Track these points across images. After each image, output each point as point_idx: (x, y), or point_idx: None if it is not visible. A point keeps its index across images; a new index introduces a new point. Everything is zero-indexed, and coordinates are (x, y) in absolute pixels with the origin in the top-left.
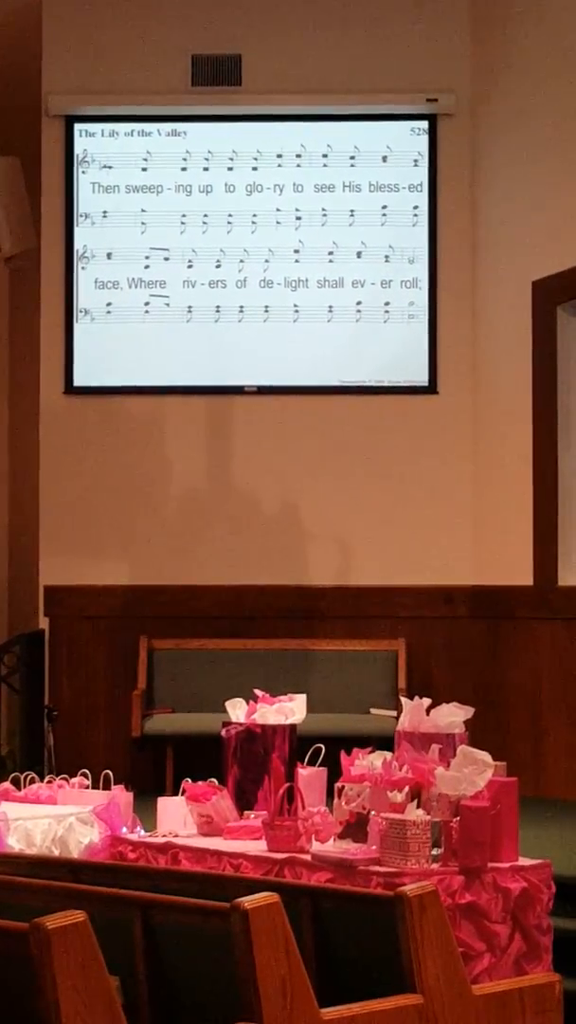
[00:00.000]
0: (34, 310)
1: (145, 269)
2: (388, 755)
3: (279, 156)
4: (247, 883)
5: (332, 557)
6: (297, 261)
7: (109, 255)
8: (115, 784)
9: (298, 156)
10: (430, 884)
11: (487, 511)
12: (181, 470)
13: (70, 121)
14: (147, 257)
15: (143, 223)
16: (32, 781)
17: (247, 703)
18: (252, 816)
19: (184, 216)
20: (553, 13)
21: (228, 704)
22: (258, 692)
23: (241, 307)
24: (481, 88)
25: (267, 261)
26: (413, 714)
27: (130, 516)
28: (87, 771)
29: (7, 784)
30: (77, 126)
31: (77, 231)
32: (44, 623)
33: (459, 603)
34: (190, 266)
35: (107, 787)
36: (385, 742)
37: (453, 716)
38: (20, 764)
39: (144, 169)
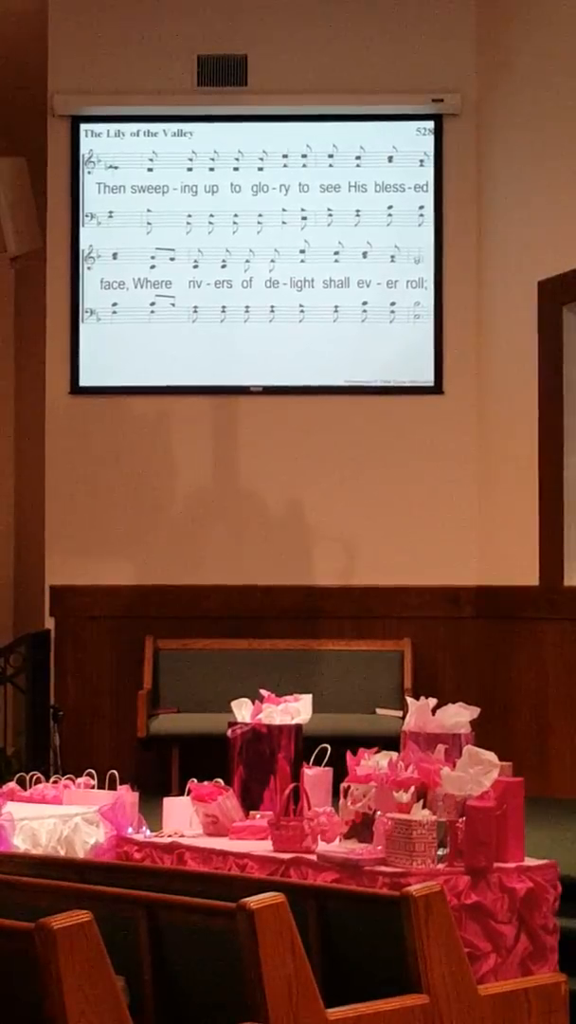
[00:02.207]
0: (40, 310)
1: (151, 269)
2: (394, 755)
3: (285, 156)
4: (253, 883)
5: (337, 557)
6: (303, 261)
7: (115, 255)
8: (121, 784)
9: (304, 156)
10: (436, 884)
11: (493, 511)
12: (187, 470)
13: (76, 121)
14: (153, 257)
15: (149, 223)
16: (38, 781)
17: (253, 703)
18: (258, 816)
19: (190, 216)
20: (558, 13)
21: (234, 704)
22: (264, 692)
23: (247, 307)
24: (487, 88)
25: (273, 261)
26: (419, 714)
27: (136, 516)
28: (93, 771)
29: (13, 784)
30: (83, 126)
31: (83, 231)
32: (50, 623)
33: (464, 603)
34: (196, 266)
35: (113, 787)
36: (391, 742)
37: (459, 716)
38: (26, 764)
39: (150, 169)
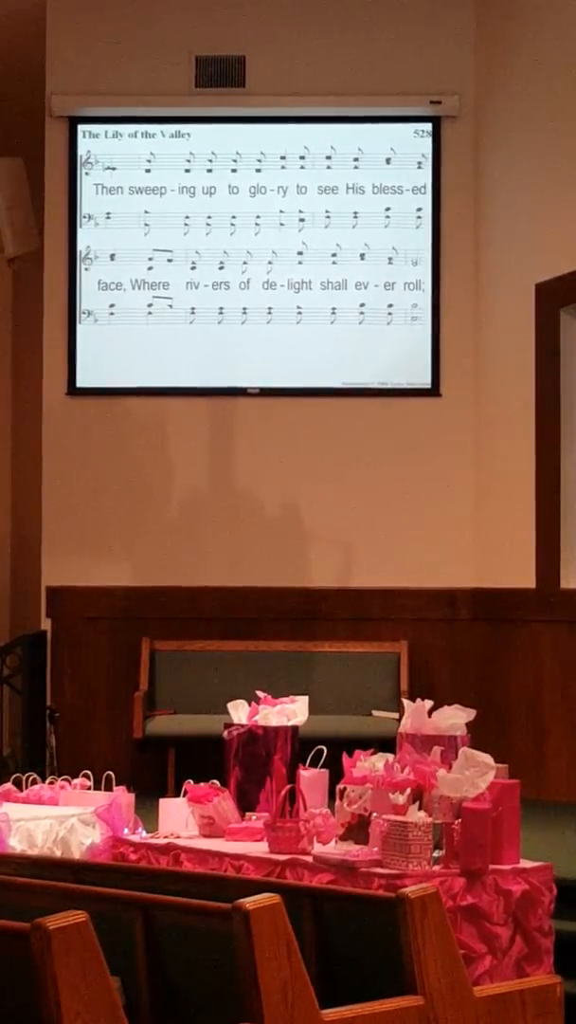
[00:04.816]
0: (37, 311)
1: (148, 271)
2: (390, 757)
3: (283, 158)
4: (249, 884)
5: (334, 559)
6: (300, 263)
7: (112, 256)
8: (117, 785)
9: (302, 158)
10: (431, 886)
11: (490, 513)
12: (183, 472)
13: (74, 122)
14: (150, 259)
15: (146, 224)
16: (34, 782)
17: (249, 705)
18: (254, 818)
19: (187, 218)
20: (557, 15)
21: (230, 706)
22: (260, 694)
23: (244, 309)
24: (485, 90)
25: (270, 263)
26: (415, 716)
27: (132, 517)
28: (89, 772)
29: (9, 785)
30: (81, 127)
31: (80, 232)
32: (46, 624)
33: (461, 605)
34: (193, 268)
35: (109, 788)
36: (387, 744)
37: (455, 718)
38: (22, 765)
39: (148, 171)
